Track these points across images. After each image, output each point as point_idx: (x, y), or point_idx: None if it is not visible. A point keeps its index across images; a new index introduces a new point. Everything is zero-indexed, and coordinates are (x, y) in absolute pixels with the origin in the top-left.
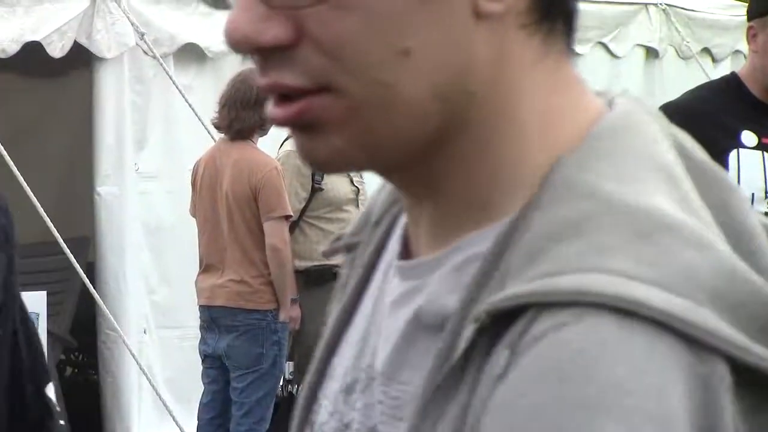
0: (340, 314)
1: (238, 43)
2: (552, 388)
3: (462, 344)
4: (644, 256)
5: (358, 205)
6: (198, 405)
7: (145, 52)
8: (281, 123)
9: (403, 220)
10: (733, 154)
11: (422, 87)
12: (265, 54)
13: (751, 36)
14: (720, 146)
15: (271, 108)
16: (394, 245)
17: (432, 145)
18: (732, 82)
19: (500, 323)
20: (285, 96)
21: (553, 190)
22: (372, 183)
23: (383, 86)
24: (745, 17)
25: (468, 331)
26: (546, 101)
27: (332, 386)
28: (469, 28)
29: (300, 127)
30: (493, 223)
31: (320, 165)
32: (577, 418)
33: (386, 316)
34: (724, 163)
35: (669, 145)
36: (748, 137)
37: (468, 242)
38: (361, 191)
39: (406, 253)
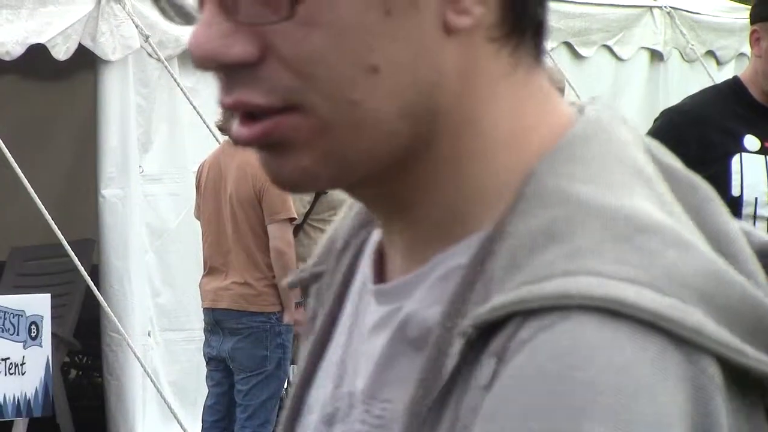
0: (313, 347)
1: (201, 60)
2: (538, 392)
3: (451, 361)
4: (626, 257)
5: None
6: (202, 407)
7: (150, 55)
8: (246, 143)
9: (372, 243)
10: (735, 159)
11: (391, 104)
12: (230, 71)
13: (755, 40)
14: (723, 151)
15: (235, 127)
16: (365, 269)
17: (400, 163)
18: (734, 86)
19: (486, 334)
20: (249, 114)
21: (528, 198)
22: None
23: (352, 104)
24: (748, 20)
25: (456, 347)
26: (516, 113)
27: (311, 419)
28: (438, 43)
29: (266, 146)
30: (469, 236)
31: (286, 184)
32: (565, 423)
33: (366, 340)
34: (727, 168)
35: (641, 149)
36: (751, 141)
37: (446, 256)
38: None
39: (380, 275)
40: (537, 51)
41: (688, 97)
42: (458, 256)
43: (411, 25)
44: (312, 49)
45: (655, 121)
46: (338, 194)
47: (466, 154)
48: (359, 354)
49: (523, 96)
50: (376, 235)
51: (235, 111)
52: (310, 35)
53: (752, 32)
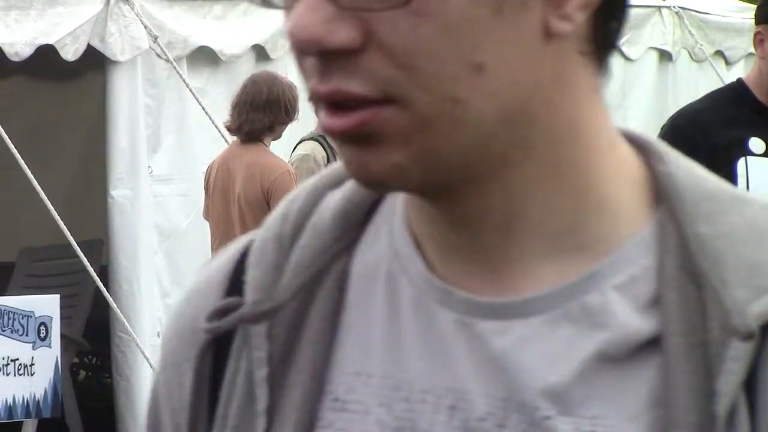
0: (303, 387)
1: (304, 45)
2: None
3: (737, 365)
4: None
5: None
6: None
7: (159, 55)
8: (337, 133)
9: (371, 267)
10: (741, 162)
11: (492, 105)
12: (328, 58)
13: (758, 41)
14: (728, 154)
15: (324, 117)
16: (400, 290)
17: (496, 171)
18: (738, 89)
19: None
20: (338, 105)
21: (698, 202)
22: None
23: (453, 102)
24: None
25: (737, 350)
26: (604, 125)
27: None
28: (538, 47)
29: (357, 139)
30: (615, 243)
31: (372, 181)
32: None
33: (511, 355)
34: (732, 171)
35: None
36: (756, 144)
37: (608, 266)
38: None
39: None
40: (606, 71)
41: (692, 102)
42: (628, 264)
43: (519, 25)
44: (419, 41)
45: (662, 128)
46: None
47: (568, 164)
48: (493, 373)
49: (604, 110)
50: (369, 260)
51: (330, 100)
52: (418, 26)
53: (756, 34)
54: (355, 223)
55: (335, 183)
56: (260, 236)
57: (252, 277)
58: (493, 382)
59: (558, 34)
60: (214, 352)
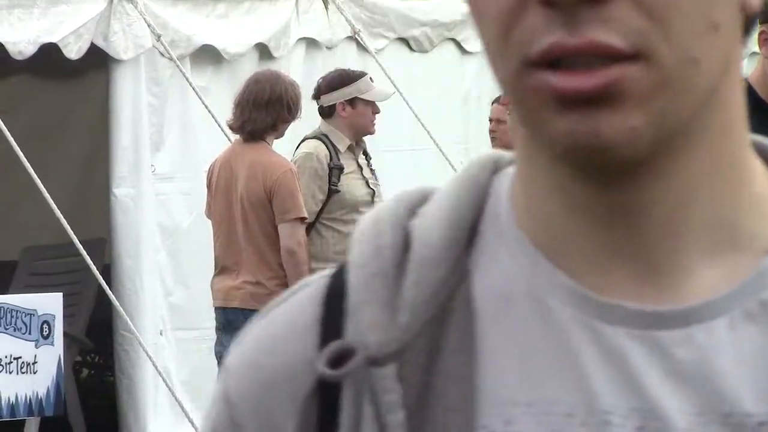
0: (454, 421)
1: None
2: None
3: None
4: None
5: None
6: None
7: (162, 54)
8: (575, 94)
9: (487, 293)
10: None
11: (715, 70)
12: (580, 8)
13: (763, 40)
14: None
15: (554, 78)
16: (532, 313)
17: (678, 153)
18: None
19: None
20: (555, 62)
21: None
22: (385, 185)
23: (691, 61)
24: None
25: None
26: (745, 119)
27: None
28: (737, 19)
29: (594, 101)
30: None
31: (603, 146)
32: None
33: (701, 364)
34: None
35: None
36: None
37: None
38: (376, 193)
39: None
40: None
41: None
42: None
43: None
44: None
45: None
46: (351, 194)
47: (730, 154)
48: (683, 386)
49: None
50: (493, 283)
51: (582, 53)
52: None
53: (760, 33)
54: (463, 247)
55: (411, 212)
56: (354, 275)
57: (362, 318)
58: (684, 395)
59: (749, 8)
60: (318, 402)
